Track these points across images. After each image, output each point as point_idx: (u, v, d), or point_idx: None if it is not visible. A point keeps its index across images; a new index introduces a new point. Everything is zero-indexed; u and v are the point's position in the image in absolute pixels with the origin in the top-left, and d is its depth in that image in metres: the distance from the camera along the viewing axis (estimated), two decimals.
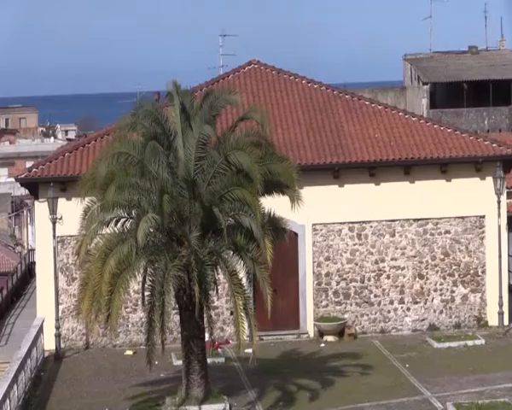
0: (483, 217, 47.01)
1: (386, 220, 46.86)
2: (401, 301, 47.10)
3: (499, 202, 46.53)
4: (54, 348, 45.29)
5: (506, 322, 46.74)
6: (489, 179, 46.73)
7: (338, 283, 46.87)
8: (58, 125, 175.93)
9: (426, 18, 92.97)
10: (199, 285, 35.64)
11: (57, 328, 45.53)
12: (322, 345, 45.28)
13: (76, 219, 38.06)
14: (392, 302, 47.10)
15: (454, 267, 47.10)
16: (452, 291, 47.18)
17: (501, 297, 46.59)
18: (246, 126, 38.37)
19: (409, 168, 46.78)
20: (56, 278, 45.80)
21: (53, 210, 45.51)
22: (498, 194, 46.50)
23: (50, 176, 46.07)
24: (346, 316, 46.69)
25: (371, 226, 46.89)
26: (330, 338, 45.81)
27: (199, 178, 36.42)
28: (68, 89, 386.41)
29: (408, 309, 47.11)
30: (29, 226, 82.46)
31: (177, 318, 37.62)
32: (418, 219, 46.93)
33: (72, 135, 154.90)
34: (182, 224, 36.18)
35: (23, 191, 70.79)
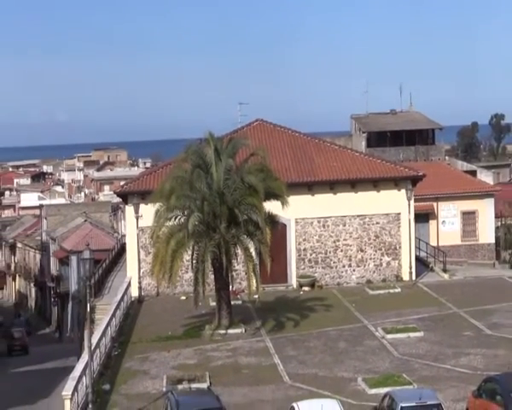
0: (399, 214, 46.77)
1: (340, 216, 46.60)
2: (349, 266, 46.84)
3: (409, 205, 46.47)
4: (137, 295, 45.21)
5: (414, 278, 46.62)
6: (403, 191, 46.51)
7: (311, 254, 46.67)
8: (139, 159, 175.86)
9: (364, 92, 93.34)
10: (226, 256, 35.87)
11: (139, 283, 45.56)
12: (301, 292, 45.03)
13: (150, 217, 38.30)
14: (344, 266, 46.85)
15: (382, 244, 46.89)
16: (381, 259, 46.95)
17: (410, 263, 46.58)
18: (254, 159, 38.48)
19: (354, 184, 46.53)
20: (138, 252, 45.76)
21: (136, 211, 45.53)
22: (408, 200, 46.45)
23: (135, 190, 46.06)
24: (315, 275, 46.50)
25: (331, 220, 46.66)
26: (306, 288, 45.61)
27: (225, 191, 36.58)
28: (146, 136, 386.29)
29: (354, 270, 46.89)
30: (122, 221, 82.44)
31: (212, 276, 37.63)
32: (360, 215, 46.71)
33: (148, 165, 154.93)
34: (215, 219, 36.35)
35: (118, 200, 70.73)
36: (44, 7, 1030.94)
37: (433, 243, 58.54)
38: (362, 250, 46.92)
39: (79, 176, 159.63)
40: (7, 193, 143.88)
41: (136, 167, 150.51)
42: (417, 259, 49.96)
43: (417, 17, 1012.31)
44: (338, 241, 46.78)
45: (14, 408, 34.86)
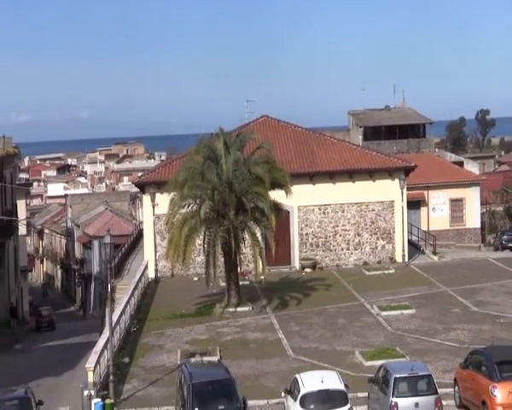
0: (393, 201, 46.65)
1: (339, 204, 46.49)
2: (348, 249, 46.78)
3: (402, 193, 46.36)
4: (154, 276, 45.31)
5: (406, 260, 46.52)
6: (396, 180, 46.36)
7: (312, 239, 46.60)
8: (155, 152, 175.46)
9: (361, 90, 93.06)
10: (234, 241, 35.83)
11: (155, 265, 45.63)
12: (304, 274, 44.99)
13: (165, 205, 38.27)
14: (342, 249, 46.77)
15: (377, 229, 46.77)
16: (376, 243, 46.86)
17: (403, 246, 46.46)
18: (260, 152, 38.36)
19: (351, 174, 46.37)
20: (155, 237, 45.75)
21: (153, 200, 45.53)
22: (401, 188, 46.33)
23: (151, 181, 46.02)
24: (317, 257, 46.43)
25: (331, 207, 46.57)
26: (308, 270, 45.54)
27: (234, 181, 36.51)
28: (161, 131, 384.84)
29: (351, 253, 46.83)
30: (139, 209, 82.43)
31: (222, 259, 37.64)
32: (357, 203, 46.59)
33: (163, 158, 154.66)
34: (224, 207, 36.31)
35: (136, 189, 70.65)
36: (63, 17, 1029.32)
37: (424, 227, 58.56)
38: (359, 235, 46.81)
39: (101, 168, 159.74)
40: (35, 184, 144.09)
41: (152, 160, 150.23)
42: (409, 242, 49.85)
43: (411, 24, 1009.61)
44: (337, 226, 46.70)
45: (43, 379, 34.93)
